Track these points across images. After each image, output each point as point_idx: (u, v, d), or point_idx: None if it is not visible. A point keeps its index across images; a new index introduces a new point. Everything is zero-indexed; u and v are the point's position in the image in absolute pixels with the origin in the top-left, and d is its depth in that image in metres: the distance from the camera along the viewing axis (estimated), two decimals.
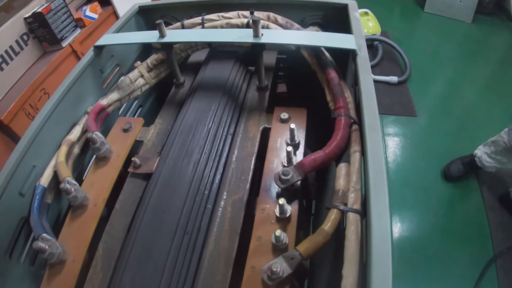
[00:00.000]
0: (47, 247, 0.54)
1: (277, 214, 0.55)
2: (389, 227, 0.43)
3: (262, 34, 0.70)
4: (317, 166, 0.57)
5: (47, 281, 0.57)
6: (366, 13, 2.56)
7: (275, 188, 0.60)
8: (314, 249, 0.49)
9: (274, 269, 0.46)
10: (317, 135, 0.78)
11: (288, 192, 0.59)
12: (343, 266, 0.46)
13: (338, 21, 0.86)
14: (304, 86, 0.97)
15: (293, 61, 0.98)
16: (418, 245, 1.53)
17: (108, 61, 0.89)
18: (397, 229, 1.58)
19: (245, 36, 0.71)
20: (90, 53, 0.84)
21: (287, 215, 0.55)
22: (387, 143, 1.92)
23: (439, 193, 1.70)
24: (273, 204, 0.58)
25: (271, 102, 0.81)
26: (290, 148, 0.59)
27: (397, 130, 1.98)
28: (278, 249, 0.52)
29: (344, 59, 0.81)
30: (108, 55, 0.90)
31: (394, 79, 2.23)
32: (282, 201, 0.53)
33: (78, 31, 1.60)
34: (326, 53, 0.74)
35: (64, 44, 1.51)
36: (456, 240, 1.53)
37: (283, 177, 0.56)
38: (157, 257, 0.54)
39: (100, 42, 0.85)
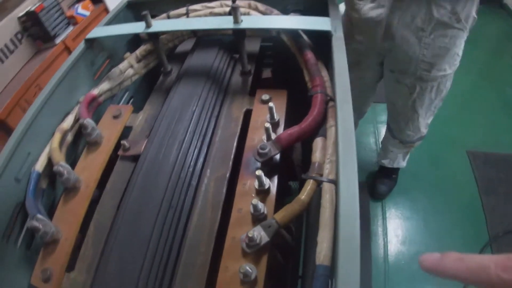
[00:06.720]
0: (41, 226, 0.58)
1: (256, 186, 0.58)
2: (357, 192, 0.44)
3: (241, 20, 0.73)
4: (294, 140, 0.60)
5: (42, 260, 0.60)
6: None
7: (255, 164, 0.63)
8: (290, 217, 0.52)
9: (251, 235, 0.49)
10: (300, 116, 0.81)
11: (267, 166, 0.62)
12: (317, 233, 0.48)
13: (318, 8, 0.89)
14: (286, 71, 1.00)
15: (277, 48, 1.01)
16: (412, 227, 1.56)
17: (99, 53, 0.92)
18: (391, 214, 1.61)
19: (225, 22, 0.74)
20: (81, 46, 0.87)
21: (266, 187, 0.58)
22: (379, 130, 1.94)
23: (431, 178, 1.73)
24: (254, 179, 0.61)
25: (255, 87, 0.84)
26: (268, 125, 0.62)
27: None
28: (257, 219, 0.55)
29: (323, 42, 0.83)
30: (99, 48, 0.93)
31: None
32: (259, 172, 0.55)
33: (71, 28, 1.63)
34: (304, 36, 0.77)
35: (57, 41, 1.54)
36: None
37: (260, 151, 0.59)
38: (143, 230, 0.57)
39: (91, 35, 0.88)
